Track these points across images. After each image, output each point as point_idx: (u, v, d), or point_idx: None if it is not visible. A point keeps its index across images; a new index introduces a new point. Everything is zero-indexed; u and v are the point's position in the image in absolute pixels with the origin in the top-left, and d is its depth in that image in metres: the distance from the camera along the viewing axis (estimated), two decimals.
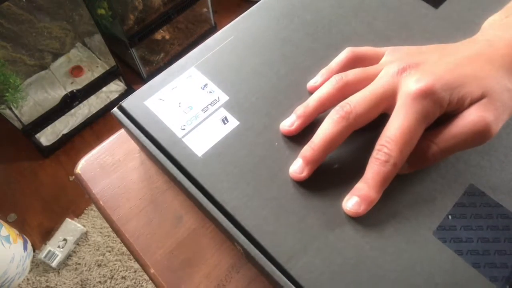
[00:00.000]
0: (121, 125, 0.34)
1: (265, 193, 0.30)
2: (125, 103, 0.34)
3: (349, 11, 0.38)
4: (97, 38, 1.42)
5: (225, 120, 0.33)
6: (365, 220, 0.28)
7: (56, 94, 1.30)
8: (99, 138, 1.37)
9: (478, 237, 0.28)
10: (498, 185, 0.29)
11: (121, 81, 1.40)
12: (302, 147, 0.30)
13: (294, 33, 0.37)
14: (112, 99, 1.40)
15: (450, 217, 0.29)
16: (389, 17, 0.37)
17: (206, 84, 0.35)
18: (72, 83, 1.40)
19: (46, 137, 1.31)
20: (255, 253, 0.28)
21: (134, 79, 1.46)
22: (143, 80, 1.46)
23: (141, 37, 1.34)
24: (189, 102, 0.34)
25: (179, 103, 0.34)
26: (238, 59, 0.36)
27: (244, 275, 0.33)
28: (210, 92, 0.34)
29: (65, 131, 1.32)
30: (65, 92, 1.29)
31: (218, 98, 0.34)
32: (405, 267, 0.27)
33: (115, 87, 1.40)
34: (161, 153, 0.32)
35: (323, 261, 0.27)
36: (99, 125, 1.39)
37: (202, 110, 0.33)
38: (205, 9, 1.54)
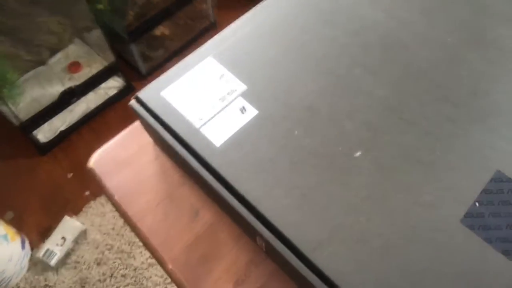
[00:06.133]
0: (138, 116, 0.33)
1: (286, 182, 0.29)
2: (141, 94, 0.33)
3: None
4: (96, 34, 1.40)
5: (243, 110, 0.32)
6: (391, 209, 0.28)
7: (54, 90, 1.28)
8: (98, 135, 1.35)
9: (507, 224, 0.27)
10: None
11: (120, 77, 1.38)
12: (321, 136, 0.30)
13: (312, 21, 0.36)
14: (110, 95, 1.38)
15: (477, 204, 0.28)
16: (408, 3, 0.37)
17: (223, 74, 0.34)
18: (70, 79, 1.38)
19: (44, 134, 1.29)
20: (278, 244, 0.27)
21: (133, 75, 1.44)
22: (142, 76, 1.45)
23: (141, 32, 1.33)
24: (206, 92, 0.33)
25: (196, 93, 0.33)
26: (256, 49, 0.35)
27: (263, 270, 0.33)
28: (227, 81, 0.33)
29: (62, 128, 1.30)
30: (63, 88, 1.27)
31: (236, 88, 0.33)
32: (433, 255, 0.26)
33: (114, 83, 1.38)
34: (179, 144, 0.31)
35: (349, 250, 0.26)
36: (97, 122, 1.37)
37: (219, 100, 0.32)
38: (204, 5, 1.53)
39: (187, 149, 0.31)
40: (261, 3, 0.38)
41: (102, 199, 1.22)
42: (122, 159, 0.37)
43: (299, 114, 0.31)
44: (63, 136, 1.32)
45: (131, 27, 1.30)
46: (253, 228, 0.28)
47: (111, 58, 1.31)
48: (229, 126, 0.31)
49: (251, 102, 0.32)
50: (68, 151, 1.32)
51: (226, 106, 0.32)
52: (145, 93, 0.33)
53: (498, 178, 0.29)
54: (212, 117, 0.32)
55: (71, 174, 1.28)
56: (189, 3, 1.39)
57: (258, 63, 0.34)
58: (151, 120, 0.32)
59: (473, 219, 0.27)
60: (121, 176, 0.36)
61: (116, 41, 1.39)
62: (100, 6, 1.30)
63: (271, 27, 0.36)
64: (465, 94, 0.32)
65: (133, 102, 0.33)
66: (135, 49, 1.36)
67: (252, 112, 0.32)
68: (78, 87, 1.25)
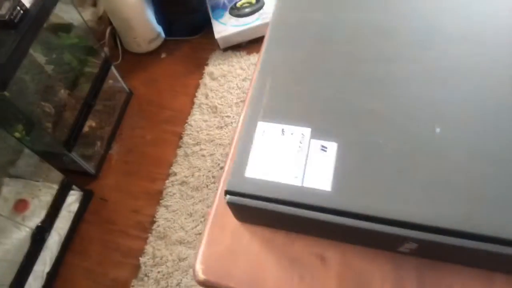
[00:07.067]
0: (236, 209, 0.34)
1: (399, 183, 0.31)
2: (229, 187, 0.33)
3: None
4: (24, 163, 1.31)
5: (323, 148, 0.34)
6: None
7: (18, 239, 1.16)
8: (85, 255, 1.25)
9: None
10: None
11: (74, 189, 1.30)
12: (397, 135, 0.33)
13: (317, 39, 0.39)
14: (75, 211, 1.29)
15: None
16: None
17: (283, 129, 0.35)
18: (24, 219, 1.26)
19: (31, 286, 1.16)
20: (436, 237, 0.30)
21: (85, 180, 1.36)
22: (93, 176, 1.37)
23: (72, 138, 1.26)
24: (281, 152, 0.34)
25: (273, 158, 0.34)
26: (289, 90, 0.37)
27: (410, 269, 0.35)
28: (291, 133, 0.35)
29: (47, 269, 1.19)
30: (25, 233, 1.16)
31: (303, 134, 0.35)
32: None
33: (72, 198, 1.29)
34: (297, 208, 0.32)
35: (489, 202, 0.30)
36: (78, 244, 1.27)
37: (297, 152, 0.34)
38: (113, 82, 1.49)
39: (304, 208, 0.32)
40: (262, 50, 0.40)
41: None
42: (222, 254, 0.37)
43: (369, 124, 0.34)
44: (52, 276, 1.21)
45: (59, 138, 1.24)
46: (401, 238, 0.31)
47: (58, 177, 1.23)
48: (325, 168, 0.33)
49: (324, 138, 0.34)
50: (66, 287, 1.21)
51: (307, 153, 0.34)
52: (232, 184, 0.33)
53: None
54: (304, 169, 0.33)
55: None
56: (100, 89, 1.36)
57: (301, 100, 0.36)
58: (256, 203, 0.32)
59: None
60: (235, 269, 0.36)
61: (49, 158, 1.31)
62: (17, 134, 1.22)
63: (287, 67, 0.38)
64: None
65: (230, 198, 0.33)
66: (75, 156, 1.29)
67: (332, 146, 0.34)
68: (44, 221, 1.15)
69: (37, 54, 1.35)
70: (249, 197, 0.33)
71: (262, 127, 0.36)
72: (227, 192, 0.33)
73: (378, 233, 0.31)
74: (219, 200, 0.40)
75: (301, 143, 0.34)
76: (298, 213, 0.32)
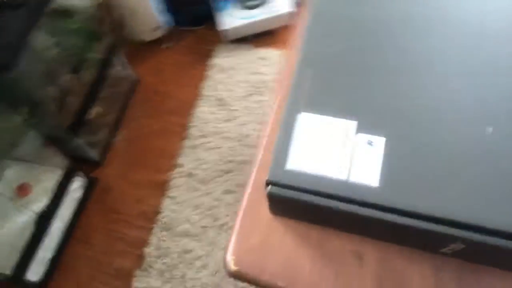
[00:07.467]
0: (276, 201, 0.32)
1: (456, 181, 0.30)
2: (271, 177, 0.32)
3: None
4: (28, 146, 1.29)
5: (370, 143, 0.33)
6: None
7: (22, 224, 1.15)
8: (89, 244, 1.23)
9: None
10: None
11: (79, 175, 1.28)
12: (449, 129, 0.31)
13: (362, 31, 0.38)
14: (78, 198, 1.27)
15: None
16: None
17: (327, 121, 0.34)
18: (28, 203, 1.24)
19: (34, 273, 1.15)
20: (485, 239, 0.29)
21: (89, 167, 1.34)
22: (98, 163, 1.35)
23: (76, 123, 1.24)
24: (325, 145, 0.33)
25: (316, 150, 0.33)
26: (334, 83, 0.36)
27: (451, 270, 0.34)
28: (336, 126, 0.34)
29: (49, 256, 1.17)
30: (28, 217, 1.14)
31: (348, 127, 0.33)
32: None
33: (76, 184, 1.27)
34: (341, 202, 0.31)
35: None
36: (81, 229, 1.26)
37: (342, 146, 0.33)
38: (120, 68, 1.47)
39: (350, 203, 0.31)
40: (303, 41, 0.38)
41: None
42: (255, 246, 0.36)
43: (418, 119, 0.33)
44: (54, 264, 1.19)
45: (65, 122, 1.22)
46: (451, 238, 0.29)
47: (63, 162, 1.21)
48: (372, 163, 0.32)
49: (371, 132, 0.33)
50: (69, 275, 1.19)
51: (353, 147, 0.33)
52: (274, 174, 0.32)
53: None
54: (350, 163, 0.32)
55: None
56: (106, 74, 1.34)
57: (346, 92, 0.35)
58: (300, 195, 0.31)
59: None
60: (268, 262, 0.35)
61: (53, 143, 1.29)
62: (22, 117, 1.20)
63: (329, 56, 0.37)
64: None
65: (271, 190, 0.32)
66: (80, 143, 1.28)
67: (380, 141, 0.32)
68: (47, 206, 1.13)
69: (42, 37, 1.33)
70: (292, 189, 0.31)
71: (305, 118, 0.34)
72: (269, 183, 0.32)
73: (427, 231, 0.30)
74: (251, 190, 0.39)
75: (346, 136, 0.33)
76: (344, 208, 0.30)
